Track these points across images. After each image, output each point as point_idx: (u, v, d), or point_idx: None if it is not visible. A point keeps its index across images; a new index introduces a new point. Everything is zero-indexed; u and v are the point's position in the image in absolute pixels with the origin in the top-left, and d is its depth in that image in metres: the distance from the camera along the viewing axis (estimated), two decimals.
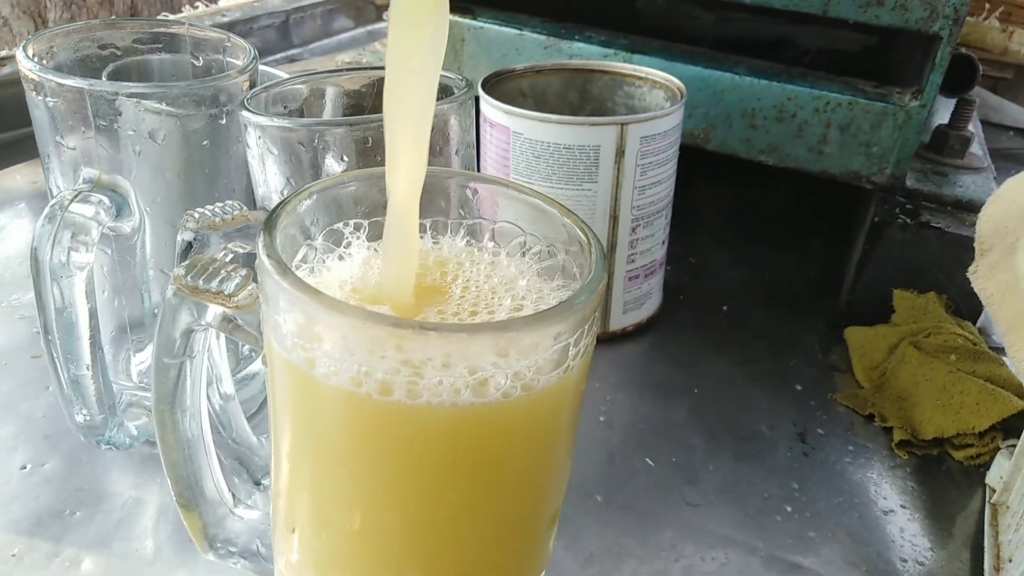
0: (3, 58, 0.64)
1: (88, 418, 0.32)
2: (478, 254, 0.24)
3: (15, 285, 0.47)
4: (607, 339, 0.46)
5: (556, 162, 0.41)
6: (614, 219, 0.43)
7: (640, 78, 0.48)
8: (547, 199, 0.23)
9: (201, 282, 0.22)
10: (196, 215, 0.26)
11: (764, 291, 0.52)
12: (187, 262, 0.23)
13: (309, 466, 0.21)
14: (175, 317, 0.23)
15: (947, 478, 0.38)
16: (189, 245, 0.26)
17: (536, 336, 0.19)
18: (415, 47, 0.20)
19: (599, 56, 0.54)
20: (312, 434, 0.20)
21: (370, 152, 0.28)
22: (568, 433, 0.22)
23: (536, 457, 0.21)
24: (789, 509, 0.35)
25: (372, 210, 0.24)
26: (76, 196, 0.30)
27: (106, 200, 0.30)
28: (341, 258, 0.23)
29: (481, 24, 0.57)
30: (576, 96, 0.50)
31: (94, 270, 0.31)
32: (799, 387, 0.43)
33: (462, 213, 0.25)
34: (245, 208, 0.28)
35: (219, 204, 0.27)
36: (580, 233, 0.22)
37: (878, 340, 0.46)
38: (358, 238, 0.23)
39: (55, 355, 0.31)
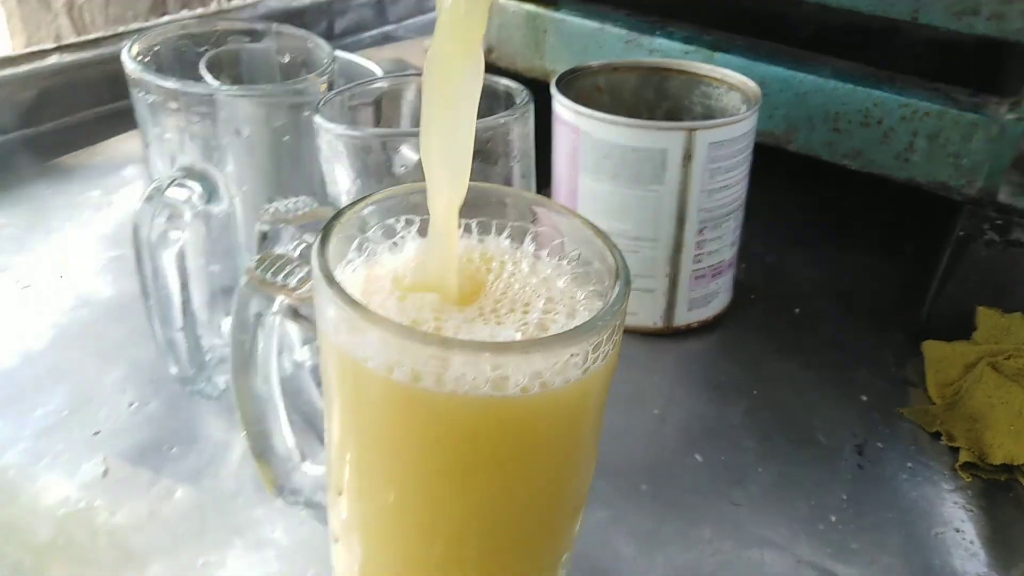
0: (122, 33, 0.69)
1: (180, 371, 0.36)
2: (519, 253, 0.26)
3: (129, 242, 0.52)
4: (671, 334, 0.47)
5: (623, 163, 0.42)
6: (680, 221, 0.43)
7: (717, 79, 0.48)
8: (584, 220, 0.24)
9: (269, 275, 0.25)
10: (272, 209, 0.29)
11: (841, 296, 0.52)
12: (258, 256, 0.25)
13: (351, 440, 0.23)
14: (247, 304, 0.26)
15: (1013, 506, 0.37)
16: (264, 235, 0.29)
17: (555, 356, 0.20)
18: (450, 90, 0.21)
19: (680, 53, 0.54)
20: (352, 411, 0.22)
21: None
22: (589, 430, 0.24)
23: (556, 452, 0.23)
24: (834, 519, 0.35)
25: (424, 208, 0.25)
26: (172, 182, 0.33)
27: (198, 187, 0.33)
28: (394, 246, 0.25)
29: (563, 16, 0.58)
30: (652, 94, 0.50)
31: (195, 241, 0.35)
32: (865, 398, 0.43)
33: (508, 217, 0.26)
34: (316, 204, 0.30)
35: (293, 199, 0.30)
36: (608, 254, 0.23)
37: (956, 357, 0.45)
38: (409, 231, 0.25)
39: (152, 317, 0.34)
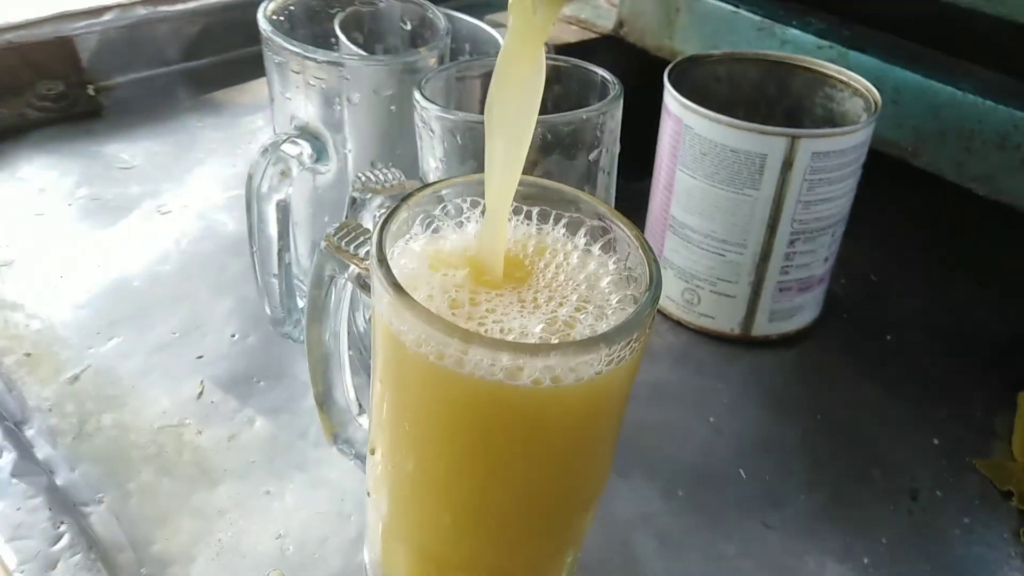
0: None
1: (272, 313, 0.40)
2: (571, 246, 0.27)
3: None
4: (747, 343, 0.46)
5: (721, 162, 0.41)
6: (771, 228, 0.42)
7: (842, 81, 0.46)
8: (633, 228, 0.25)
9: (343, 243, 0.27)
10: (363, 178, 0.31)
11: (941, 329, 0.49)
12: (338, 224, 0.28)
13: (386, 402, 0.25)
14: (323, 265, 0.28)
15: None
16: (354, 201, 0.31)
17: (568, 359, 0.21)
18: (513, 90, 0.22)
19: (812, 47, 0.51)
20: (389, 375, 0.24)
21: (533, 145, 0.31)
22: (602, 427, 0.25)
23: (564, 444, 0.24)
24: (866, 561, 0.35)
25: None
26: (286, 139, 0.36)
27: (308, 146, 0.36)
28: (459, 225, 0.27)
29: None
30: (774, 89, 0.49)
31: (301, 195, 0.38)
32: (937, 441, 0.41)
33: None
34: (403, 178, 0.32)
35: (384, 170, 0.32)
36: (647, 267, 0.24)
37: None
38: (475, 212, 0.27)
39: (254, 259, 0.38)
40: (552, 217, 0.27)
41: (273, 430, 0.39)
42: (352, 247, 0.28)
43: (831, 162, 0.41)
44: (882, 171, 0.45)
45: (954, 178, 0.48)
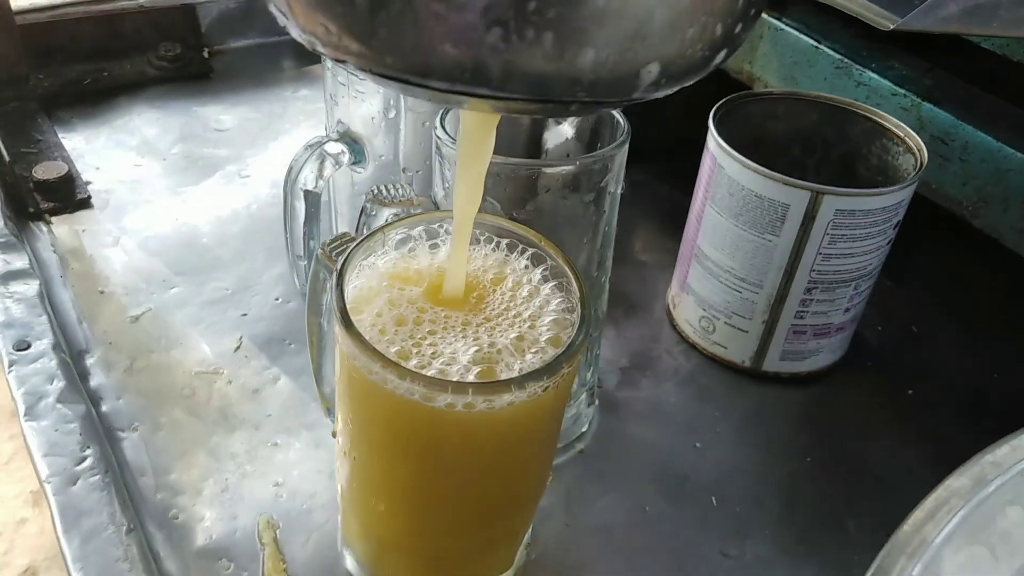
0: None
1: (300, 287, 0.44)
2: (526, 278, 0.29)
3: None
4: (757, 376, 0.47)
5: (746, 205, 0.42)
6: (788, 274, 0.43)
7: (899, 136, 0.45)
8: (578, 280, 0.27)
9: (334, 253, 0.30)
10: (375, 191, 0.35)
11: (969, 393, 0.48)
12: (332, 237, 0.31)
13: (339, 398, 0.29)
14: (318, 269, 0.32)
15: None
16: (363, 210, 0.35)
17: (492, 396, 0.24)
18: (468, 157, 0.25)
19: (887, 92, 0.51)
20: (341, 377, 0.28)
21: (524, 185, 0.33)
22: (524, 445, 0.27)
23: (483, 460, 0.27)
24: None
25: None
26: (327, 140, 0.40)
27: (347, 148, 0.40)
28: (434, 246, 0.30)
29: (782, 26, 0.56)
30: (832, 134, 0.49)
31: (337, 190, 0.42)
32: None
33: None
34: (413, 194, 0.35)
35: (396, 185, 0.35)
36: (577, 318, 0.26)
37: None
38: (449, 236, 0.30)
39: (286, 240, 0.42)
40: (518, 249, 0.29)
41: (292, 390, 0.43)
42: (340, 258, 0.31)
43: (856, 220, 0.41)
44: (946, 223, 0.45)
45: (1012, 246, 0.46)
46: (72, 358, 0.42)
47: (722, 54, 0.21)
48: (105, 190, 0.55)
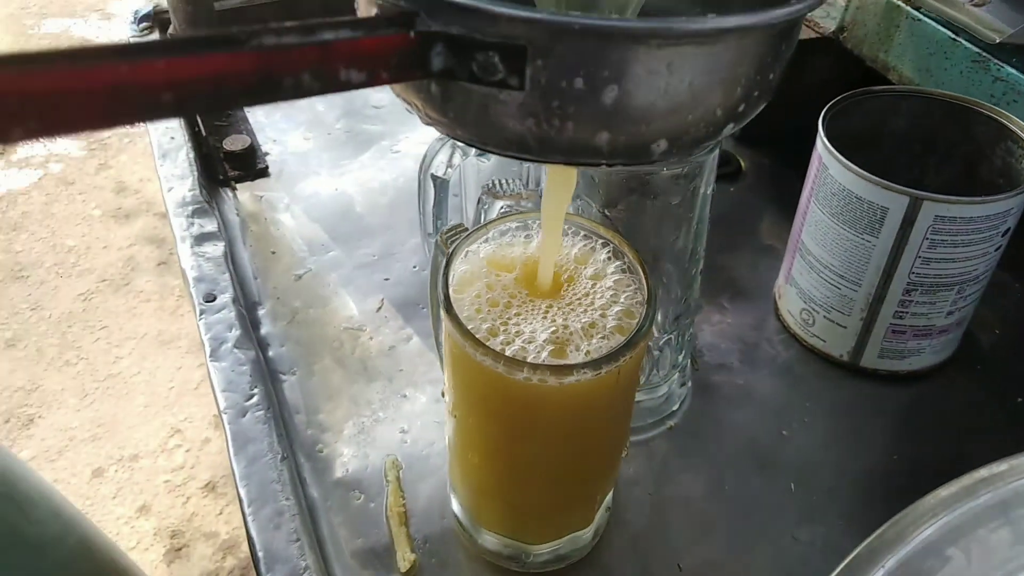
0: None
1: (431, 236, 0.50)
2: (609, 269, 0.33)
3: None
4: (855, 371, 0.49)
5: (846, 205, 0.44)
6: (887, 276, 0.44)
7: (1022, 140, 0.45)
8: (644, 271, 0.31)
9: (448, 242, 0.36)
10: (489, 184, 0.40)
11: None
12: (450, 225, 0.37)
13: (447, 373, 0.35)
14: (436, 251, 0.38)
15: None
16: (480, 200, 0.40)
17: (563, 375, 0.29)
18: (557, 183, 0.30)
19: None
20: (446, 350, 0.34)
21: (616, 186, 0.37)
22: (597, 414, 0.31)
23: (559, 427, 0.32)
24: None
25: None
26: None
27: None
28: (526, 237, 0.35)
29: (921, 16, 0.55)
30: (957, 133, 0.48)
31: (463, 179, 0.47)
32: None
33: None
34: (522, 188, 0.40)
35: (509, 180, 0.40)
36: (642, 312, 0.30)
37: None
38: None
39: (420, 218, 0.49)
40: (599, 243, 0.34)
41: (422, 349, 0.50)
42: (452, 245, 0.36)
43: (957, 226, 0.41)
44: None
45: None
46: (247, 309, 0.50)
47: (729, 127, 0.24)
48: (279, 160, 0.64)
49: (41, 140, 0.17)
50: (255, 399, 0.42)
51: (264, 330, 0.50)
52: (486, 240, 0.34)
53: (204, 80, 0.18)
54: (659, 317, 0.45)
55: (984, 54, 0.51)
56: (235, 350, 0.44)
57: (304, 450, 0.44)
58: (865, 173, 0.42)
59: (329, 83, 0.20)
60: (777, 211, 0.61)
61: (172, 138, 0.59)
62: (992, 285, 0.55)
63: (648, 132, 0.23)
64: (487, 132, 0.23)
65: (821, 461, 0.44)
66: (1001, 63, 0.50)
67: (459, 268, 0.33)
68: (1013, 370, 0.50)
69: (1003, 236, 0.43)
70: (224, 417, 0.40)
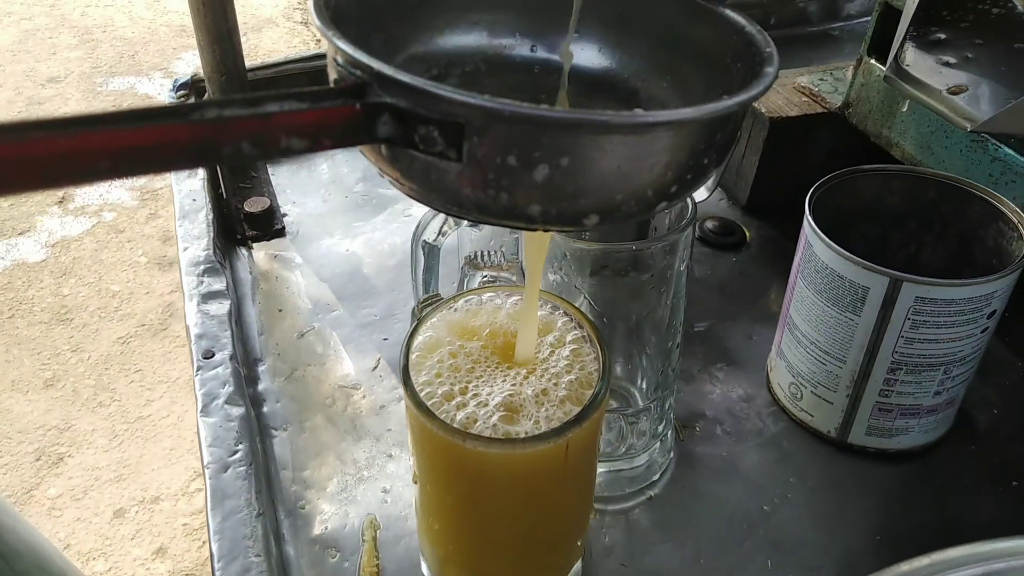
0: None
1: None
2: (568, 338, 0.34)
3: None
4: (843, 448, 0.48)
5: (828, 283, 0.44)
6: (871, 354, 0.44)
7: (1014, 221, 0.45)
8: (601, 345, 0.32)
9: (423, 309, 0.38)
10: (471, 255, 0.41)
11: None
12: (427, 295, 0.38)
13: (410, 447, 0.36)
14: (413, 319, 0.39)
15: None
16: (462, 269, 0.42)
17: (515, 448, 0.29)
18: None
19: (1022, 169, 0.49)
20: (409, 426, 0.35)
21: (587, 262, 0.38)
22: (556, 483, 0.32)
23: (521, 492, 0.32)
24: None
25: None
26: None
27: None
28: (496, 305, 0.36)
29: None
30: (950, 212, 0.48)
31: (458, 246, 0.49)
32: None
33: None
34: (504, 259, 0.41)
35: (491, 252, 0.42)
36: (592, 388, 0.31)
37: None
38: (507, 299, 0.36)
39: (413, 283, 0.50)
40: (560, 313, 0.35)
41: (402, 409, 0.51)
42: (425, 312, 0.38)
43: (939, 308, 0.41)
44: None
45: None
46: (247, 365, 0.52)
47: (662, 205, 0.25)
48: (297, 221, 0.67)
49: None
50: (238, 455, 0.43)
51: (262, 386, 0.52)
52: (454, 309, 0.35)
53: (141, 149, 0.20)
54: (643, 385, 0.46)
55: (983, 134, 0.52)
56: (225, 406, 0.46)
57: (286, 506, 0.45)
58: (846, 253, 0.42)
59: (269, 150, 0.21)
60: (778, 283, 0.61)
61: (194, 200, 0.62)
62: (993, 363, 0.54)
63: (579, 207, 0.24)
64: (431, 194, 0.25)
65: (800, 539, 0.44)
66: (999, 143, 0.51)
67: (426, 334, 0.34)
68: (1009, 452, 0.49)
69: (989, 318, 0.43)
70: (206, 471, 0.42)
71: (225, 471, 0.42)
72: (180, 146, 0.20)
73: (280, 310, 0.58)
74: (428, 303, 0.38)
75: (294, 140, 0.22)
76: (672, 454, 0.48)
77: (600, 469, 0.45)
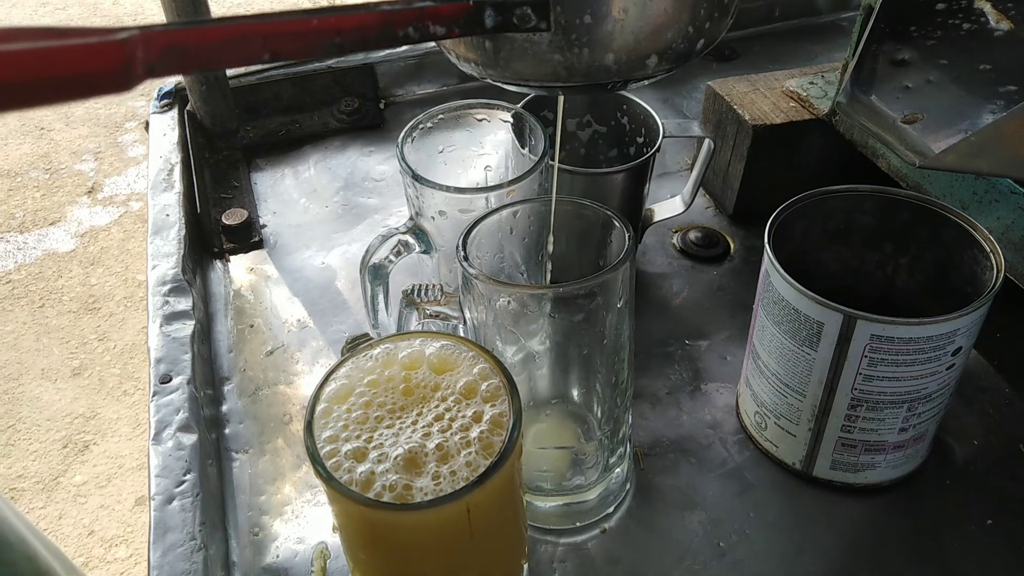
0: None
1: (373, 326, 0.51)
2: (474, 387, 0.33)
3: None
4: (808, 480, 0.47)
5: (786, 316, 0.42)
6: (830, 390, 0.42)
7: (987, 250, 0.42)
8: (512, 394, 0.31)
9: (349, 350, 0.37)
10: (410, 289, 0.41)
11: None
12: (353, 338, 0.38)
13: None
14: (342, 351, 0.38)
15: None
16: (400, 304, 0.41)
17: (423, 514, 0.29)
18: None
19: (1006, 189, 0.47)
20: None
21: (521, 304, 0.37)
22: (466, 540, 0.31)
23: (426, 553, 0.32)
24: None
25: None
26: (402, 231, 0.47)
27: (412, 239, 0.46)
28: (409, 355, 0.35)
29: None
30: (925, 234, 0.46)
31: (415, 270, 0.48)
32: None
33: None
34: (444, 295, 0.41)
35: (431, 286, 0.41)
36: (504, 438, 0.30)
37: None
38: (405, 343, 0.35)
39: (364, 301, 0.49)
40: (472, 357, 0.34)
41: None
42: (352, 352, 0.37)
43: (897, 346, 0.39)
44: None
45: None
46: (213, 385, 0.53)
47: (700, 43, 0.32)
48: (275, 233, 0.67)
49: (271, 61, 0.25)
50: (185, 486, 0.44)
51: (226, 406, 0.52)
52: (369, 357, 0.35)
53: (354, 28, 0.26)
54: (598, 412, 0.45)
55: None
56: (177, 434, 0.46)
57: (239, 532, 0.45)
58: (800, 287, 0.41)
59: (424, 34, 0.28)
60: None
61: (167, 215, 0.62)
62: (978, 388, 0.52)
63: (641, 49, 0.31)
64: (528, 69, 0.31)
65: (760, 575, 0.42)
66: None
67: (339, 382, 0.34)
68: (987, 487, 0.46)
69: (954, 355, 0.41)
70: (151, 503, 0.42)
71: (170, 503, 0.43)
72: (375, 27, 0.27)
73: (252, 325, 0.58)
74: (353, 344, 0.37)
75: (437, 27, 0.28)
76: (629, 485, 0.47)
77: (552, 502, 0.45)
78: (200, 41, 0.23)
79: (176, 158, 0.69)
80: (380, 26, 0.27)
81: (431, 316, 0.41)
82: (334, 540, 0.45)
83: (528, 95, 0.57)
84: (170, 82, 0.75)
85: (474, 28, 0.29)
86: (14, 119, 2.20)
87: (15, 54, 0.17)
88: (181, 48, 0.22)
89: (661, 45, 0.31)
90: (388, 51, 0.78)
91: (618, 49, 0.30)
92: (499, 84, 0.34)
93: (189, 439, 0.46)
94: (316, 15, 0.25)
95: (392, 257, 0.47)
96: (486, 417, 0.32)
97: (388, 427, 0.32)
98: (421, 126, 0.49)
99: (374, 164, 0.74)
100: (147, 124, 0.74)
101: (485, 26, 0.29)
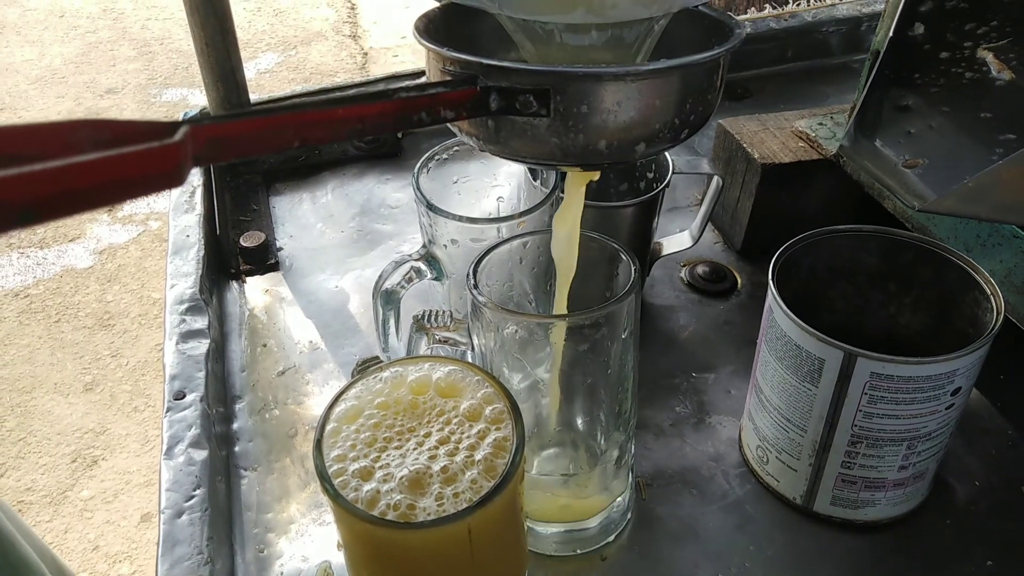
0: None
1: (384, 350, 0.52)
2: (479, 411, 0.34)
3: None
4: (809, 515, 0.47)
5: (787, 351, 0.43)
6: (830, 426, 0.43)
7: (987, 293, 0.43)
8: (516, 436, 0.32)
9: (359, 372, 0.38)
10: (421, 315, 0.42)
11: None
12: (364, 360, 0.39)
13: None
14: (353, 373, 0.40)
15: None
16: (411, 329, 0.42)
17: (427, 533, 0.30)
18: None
19: (1008, 234, 0.47)
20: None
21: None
22: (464, 560, 0.32)
23: (428, 572, 0.32)
24: None
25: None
26: (415, 258, 0.48)
27: (424, 266, 0.48)
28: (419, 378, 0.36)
29: None
30: (928, 275, 0.47)
31: (431, 296, 0.49)
32: None
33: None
34: (453, 321, 0.42)
35: (441, 312, 0.42)
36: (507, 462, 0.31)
37: None
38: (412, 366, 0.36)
39: (377, 333, 0.51)
40: (478, 382, 0.35)
41: None
42: (362, 374, 0.38)
43: (897, 384, 0.40)
44: None
45: None
46: (225, 403, 0.54)
47: (685, 133, 0.34)
48: (291, 256, 0.68)
49: (300, 147, 0.27)
50: (194, 500, 0.44)
51: (237, 424, 0.53)
52: (380, 380, 0.36)
53: (375, 115, 0.28)
54: (602, 441, 0.45)
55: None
56: (189, 450, 0.47)
57: (245, 548, 0.46)
58: (802, 323, 0.42)
59: (436, 118, 0.30)
60: None
61: (187, 236, 0.64)
62: (980, 430, 0.52)
63: (632, 137, 0.33)
64: (527, 149, 0.33)
65: None
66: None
67: (348, 403, 0.35)
68: (988, 527, 0.47)
69: (953, 395, 0.41)
70: (161, 517, 0.43)
71: (179, 516, 0.44)
72: (393, 114, 0.29)
73: (265, 345, 0.59)
74: (364, 367, 0.38)
75: (448, 111, 0.30)
76: (630, 515, 0.47)
77: (552, 528, 0.45)
78: (240, 132, 0.25)
79: (198, 180, 0.70)
80: (397, 112, 0.29)
81: (440, 341, 0.42)
82: (338, 558, 0.45)
83: None
84: (195, 106, 0.77)
85: (480, 111, 0.31)
86: None
87: (81, 166, 0.18)
88: (223, 140, 0.24)
89: (649, 134, 0.33)
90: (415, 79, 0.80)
91: (611, 136, 0.32)
92: (497, 157, 0.36)
93: (200, 455, 0.47)
94: (341, 105, 0.27)
95: (404, 283, 0.48)
96: (490, 440, 0.33)
97: (396, 448, 0.33)
98: (437, 157, 0.51)
99: (390, 192, 0.75)
100: None
101: (490, 109, 0.31)
